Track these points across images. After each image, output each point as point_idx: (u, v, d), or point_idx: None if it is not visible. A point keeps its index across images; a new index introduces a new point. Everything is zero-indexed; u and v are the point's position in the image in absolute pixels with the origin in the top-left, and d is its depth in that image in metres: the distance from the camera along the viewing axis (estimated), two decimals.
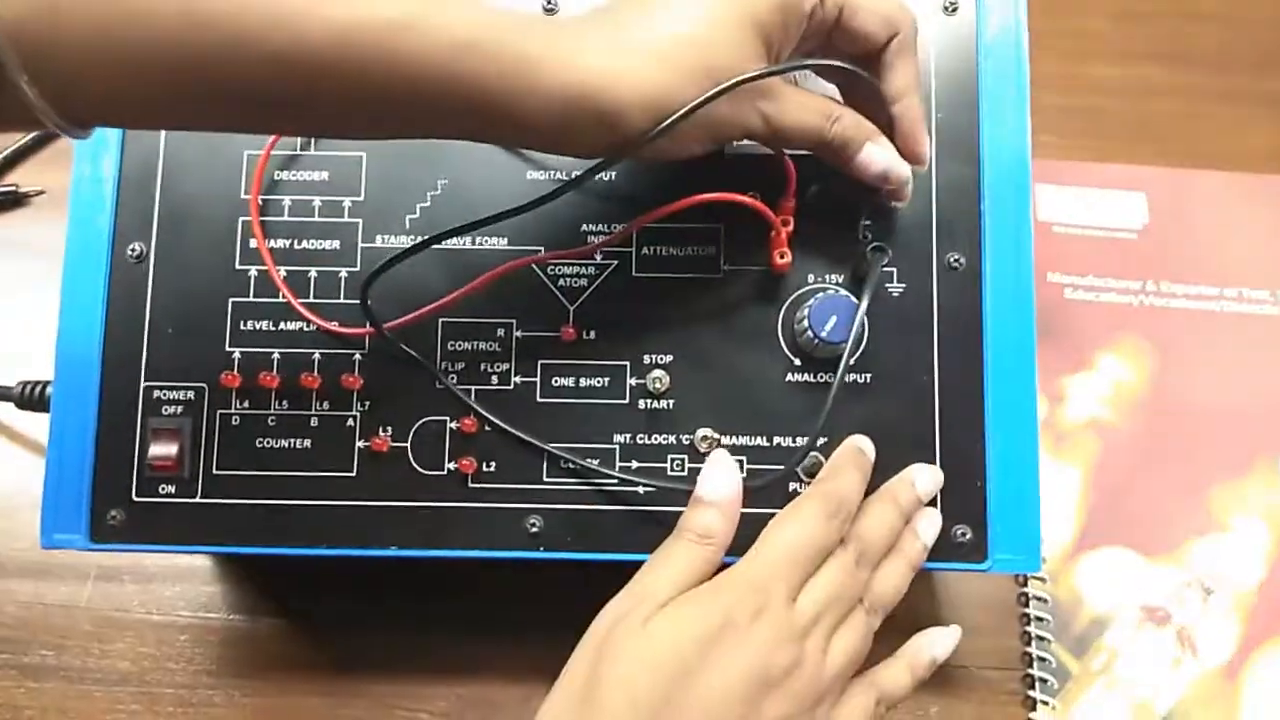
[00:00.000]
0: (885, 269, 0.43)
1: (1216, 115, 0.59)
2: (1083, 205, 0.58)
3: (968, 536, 0.42)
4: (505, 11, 0.34)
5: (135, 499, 0.43)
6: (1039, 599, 0.50)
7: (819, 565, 0.38)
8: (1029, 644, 0.49)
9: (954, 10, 0.45)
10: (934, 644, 0.42)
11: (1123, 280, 0.56)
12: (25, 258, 0.58)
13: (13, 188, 0.60)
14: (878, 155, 0.39)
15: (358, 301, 0.43)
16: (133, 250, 0.44)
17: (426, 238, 0.40)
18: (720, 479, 0.39)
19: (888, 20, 0.39)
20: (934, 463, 0.42)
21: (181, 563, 0.51)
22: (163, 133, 0.45)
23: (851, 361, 0.43)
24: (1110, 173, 0.58)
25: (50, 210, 0.60)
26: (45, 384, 0.48)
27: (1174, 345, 0.55)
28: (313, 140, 0.45)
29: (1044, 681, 0.49)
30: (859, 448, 0.41)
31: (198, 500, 0.43)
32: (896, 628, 0.46)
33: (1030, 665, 0.49)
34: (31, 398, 0.48)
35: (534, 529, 0.42)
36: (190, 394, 0.43)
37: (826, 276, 0.44)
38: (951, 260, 0.43)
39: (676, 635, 0.35)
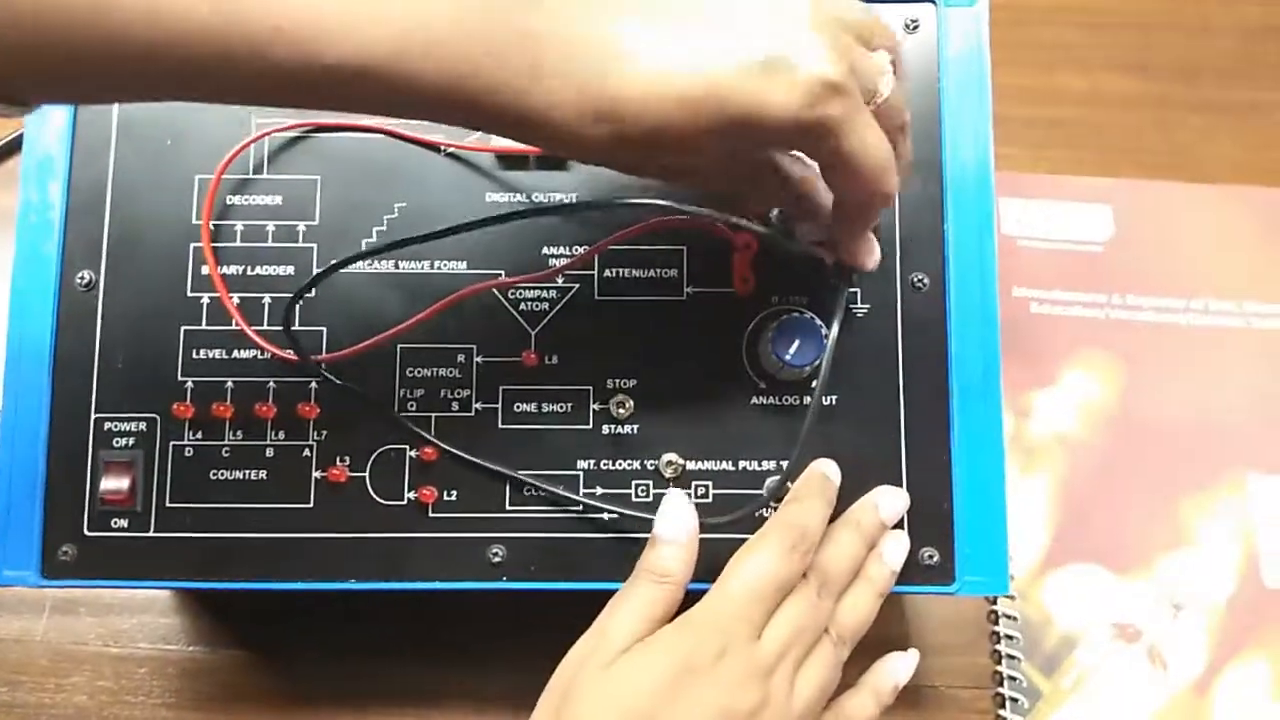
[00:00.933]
0: (850, 290, 0.42)
1: (1182, 126, 0.59)
2: (1048, 219, 0.58)
3: (935, 559, 0.42)
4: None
5: (87, 534, 0.42)
6: (1008, 617, 0.50)
7: (782, 598, 0.37)
8: (999, 663, 0.49)
9: (915, 28, 0.45)
10: (896, 670, 0.42)
11: (1089, 293, 0.56)
12: None
13: None
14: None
15: (313, 328, 0.43)
16: (81, 278, 0.43)
17: (331, 264, 0.39)
18: (675, 517, 0.38)
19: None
20: (900, 484, 0.42)
21: (140, 595, 0.50)
22: (111, 158, 0.44)
23: (816, 384, 0.42)
24: (1075, 185, 0.58)
25: (6, 230, 0.59)
26: None
27: (1141, 358, 0.55)
28: (265, 163, 0.44)
29: (1014, 700, 0.48)
30: (823, 474, 0.41)
31: (151, 534, 0.42)
32: (863, 649, 0.45)
33: (1001, 684, 0.49)
34: None
35: (496, 558, 0.42)
36: (142, 425, 0.42)
37: (790, 298, 0.43)
38: (915, 280, 0.43)
39: (640, 679, 0.34)
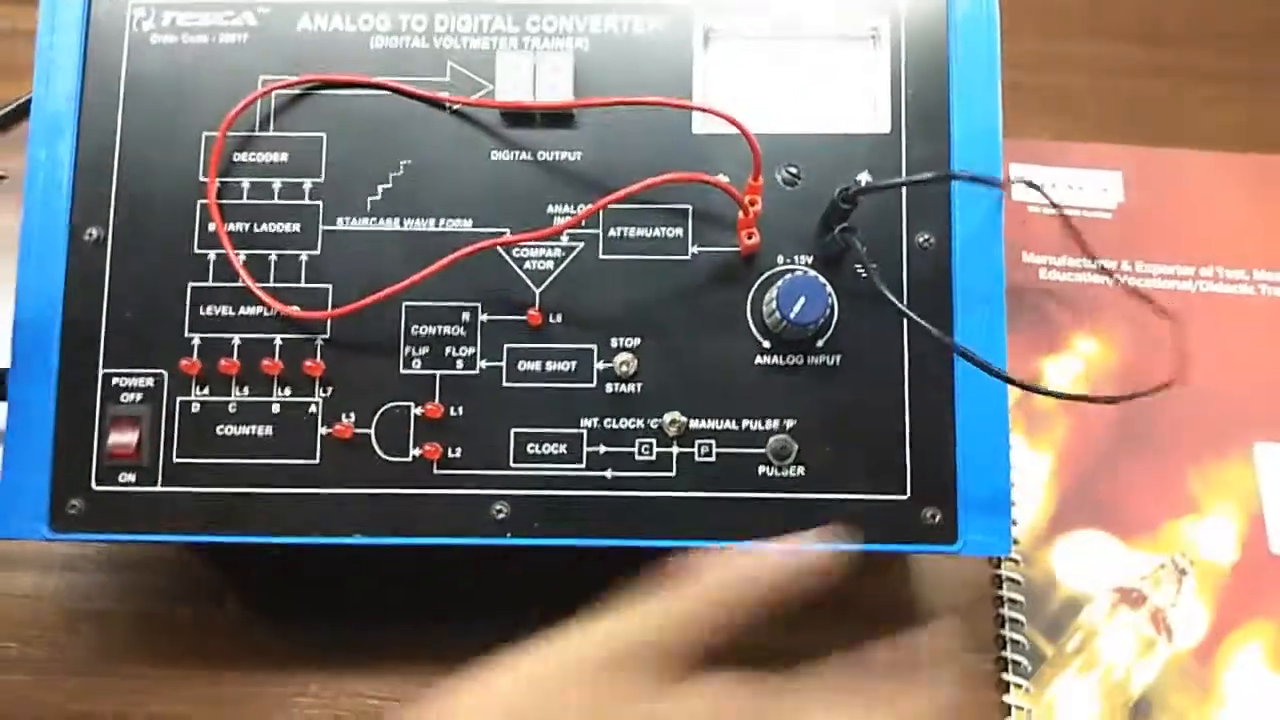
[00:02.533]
0: (852, 251, 0.42)
1: (1192, 93, 0.59)
2: (1057, 185, 0.57)
3: (937, 518, 0.41)
4: None
5: (95, 488, 0.42)
6: (1012, 581, 0.50)
7: None
8: (1002, 626, 0.49)
9: None
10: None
11: (1098, 260, 0.56)
12: None
13: None
14: None
15: (319, 285, 0.43)
16: (90, 234, 0.43)
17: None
18: None
19: None
20: (904, 444, 0.42)
21: (148, 552, 0.50)
22: (120, 116, 0.44)
23: (821, 343, 0.42)
24: (1085, 152, 0.58)
25: (12, 195, 0.59)
26: (3, 371, 0.47)
27: (1150, 326, 0.54)
28: (271, 119, 0.44)
29: (1017, 664, 0.48)
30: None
31: (158, 489, 0.42)
32: (864, 613, 0.46)
33: (1004, 648, 0.49)
34: None
35: (500, 515, 0.42)
36: (150, 380, 0.42)
37: (795, 258, 0.43)
38: (921, 241, 0.43)
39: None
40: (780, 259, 0.43)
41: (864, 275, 0.42)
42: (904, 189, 0.43)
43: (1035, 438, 0.52)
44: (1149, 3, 0.61)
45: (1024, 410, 0.53)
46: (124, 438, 0.42)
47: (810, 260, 0.43)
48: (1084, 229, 0.56)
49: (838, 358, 0.42)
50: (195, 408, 0.42)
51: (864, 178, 0.43)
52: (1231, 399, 0.53)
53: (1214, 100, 0.59)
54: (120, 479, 0.42)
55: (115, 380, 0.42)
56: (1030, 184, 0.56)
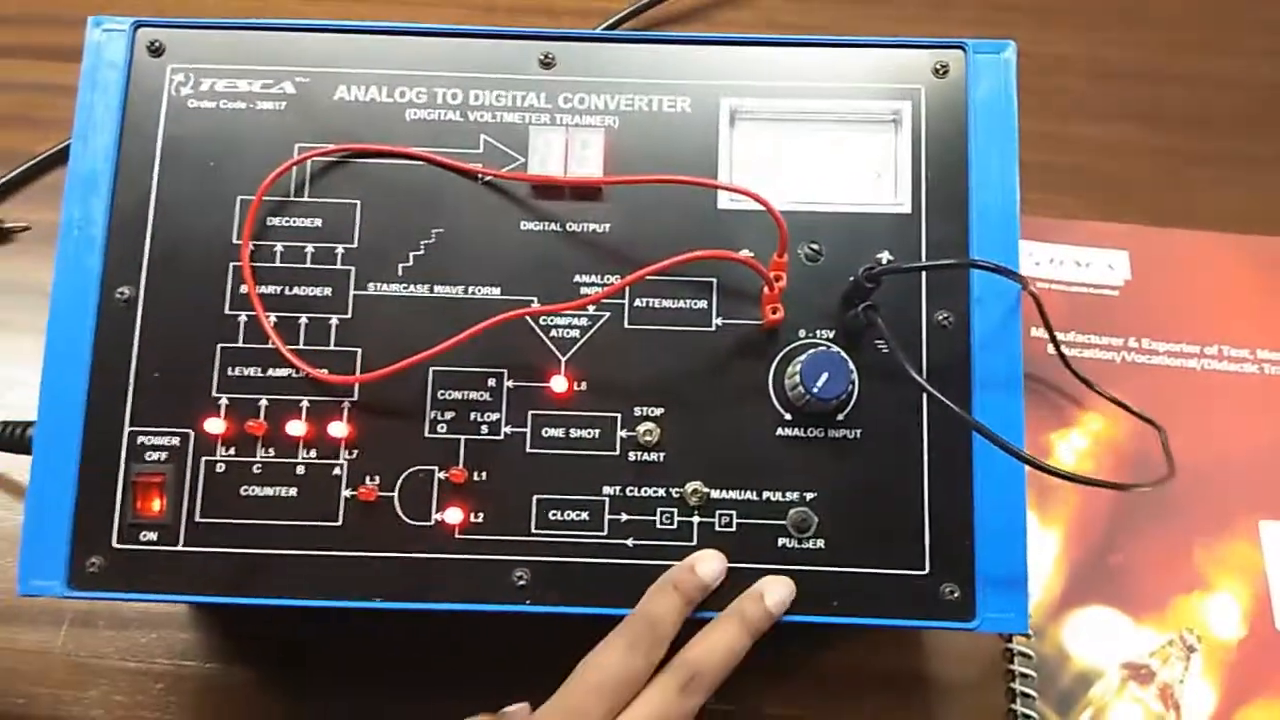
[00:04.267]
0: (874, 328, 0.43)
1: (1195, 175, 0.61)
2: (1065, 262, 0.59)
3: (956, 595, 0.42)
4: None
5: (116, 546, 0.42)
6: (1024, 655, 0.50)
7: (633, 694, 0.38)
8: (1014, 701, 0.49)
9: (944, 72, 0.46)
10: (769, 590, 0.41)
11: (1105, 337, 0.57)
12: (9, 294, 0.58)
13: None
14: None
15: (348, 349, 0.43)
16: (121, 294, 0.44)
17: None
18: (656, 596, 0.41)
19: None
20: (922, 520, 0.42)
21: (159, 609, 0.50)
22: (155, 176, 0.45)
23: (842, 418, 0.43)
24: (1092, 230, 0.59)
25: (35, 246, 0.60)
26: (27, 425, 0.47)
27: (1156, 402, 0.55)
28: (306, 185, 0.45)
29: None
30: (690, 565, 0.41)
31: (180, 548, 0.42)
32: (872, 684, 0.46)
33: None
34: (12, 438, 0.47)
35: (521, 582, 0.42)
36: (175, 440, 0.43)
37: (817, 333, 0.44)
38: (940, 319, 0.44)
39: None
40: (802, 333, 0.44)
41: (885, 351, 0.43)
42: (924, 273, 0.44)
43: (1045, 513, 0.53)
44: (1152, 88, 0.63)
45: (1034, 486, 0.53)
46: (148, 497, 0.42)
47: (831, 335, 0.44)
48: (1092, 306, 0.57)
49: (858, 432, 0.43)
50: (220, 468, 0.43)
51: (885, 256, 0.44)
52: (1237, 477, 0.54)
53: (1217, 182, 0.60)
54: (142, 538, 0.42)
55: (141, 439, 0.43)
56: (1033, 291, 0.57)
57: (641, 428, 0.43)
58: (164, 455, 0.43)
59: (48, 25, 0.65)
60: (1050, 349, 0.56)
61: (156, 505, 0.42)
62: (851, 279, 0.43)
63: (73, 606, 0.50)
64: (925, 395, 0.43)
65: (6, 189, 0.61)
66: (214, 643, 0.50)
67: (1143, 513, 0.53)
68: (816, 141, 0.46)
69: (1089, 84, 0.63)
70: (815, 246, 0.44)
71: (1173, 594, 0.52)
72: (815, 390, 0.41)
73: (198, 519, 0.42)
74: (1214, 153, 0.61)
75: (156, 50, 0.46)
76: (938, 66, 0.46)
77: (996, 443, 0.40)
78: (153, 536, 0.42)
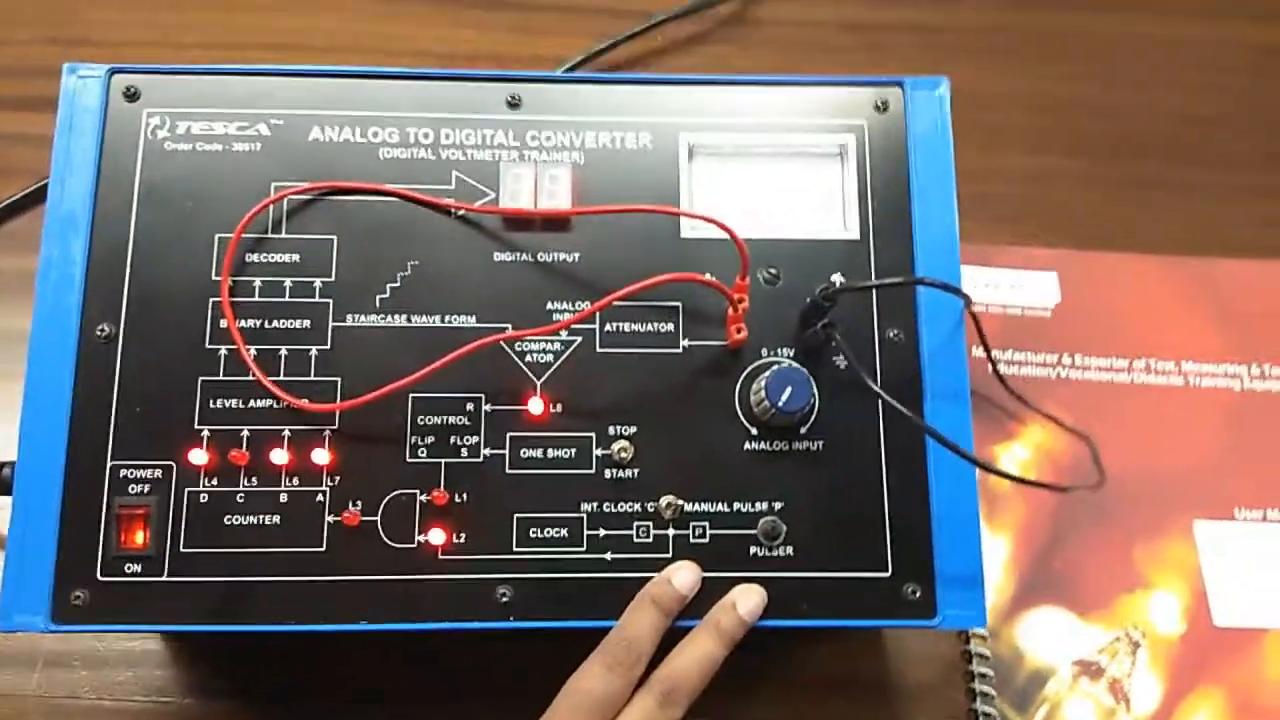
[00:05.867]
0: (832, 345, 0.46)
1: (1118, 202, 0.65)
2: (999, 285, 0.62)
3: (917, 594, 0.44)
4: None
5: (101, 579, 0.42)
6: (981, 656, 0.52)
7: (615, 713, 0.40)
8: (974, 700, 0.52)
9: (885, 108, 0.49)
10: (740, 599, 0.43)
11: (1040, 354, 0.61)
12: None
13: None
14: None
15: (328, 379, 0.45)
16: (101, 331, 0.44)
17: None
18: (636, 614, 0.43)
19: None
20: (883, 524, 0.45)
21: (135, 646, 0.50)
22: (133, 216, 0.46)
23: (804, 430, 0.45)
24: (1023, 255, 0.63)
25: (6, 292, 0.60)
26: (2, 465, 0.47)
27: (1091, 414, 0.59)
28: (283, 222, 0.46)
29: None
30: (666, 578, 0.43)
31: (165, 579, 0.43)
32: (833, 688, 0.47)
33: None
34: None
35: (504, 599, 0.43)
36: (158, 472, 0.43)
37: (778, 351, 0.46)
38: (891, 335, 0.47)
39: None
40: (764, 352, 0.46)
41: (843, 367, 0.46)
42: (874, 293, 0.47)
43: (994, 520, 0.56)
44: (1080, 120, 0.68)
45: (983, 496, 0.55)
46: (132, 528, 0.43)
47: (791, 353, 0.46)
48: (1026, 325, 0.61)
49: (820, 444, 0.45)
50: (204, 498, 0.43)
51: (838, 278, 0.47)
52: (1170, 480, 0.58)
53: (1138, 208, 0.65)
54: (126, 569, 0.43)
55: (123, 472, 0.43)
56: (973, 311, 0.60)
57: (616, 446, 0.45)
58: (147, 487, 0.43)
59: (11, 76, 0.66)
60: (989, 367, 0.60)
61: (140, 537, 0.43)
62: (809, 299, 0.46)
63: (47, 647, 0.50)
64: (882, 407, 0.46)
65: None
66: (191, 676, 0.50)
67: (1084, 517, 0.56)
68: (770, 174, 0.49)
69: (1019, 117, 0.67)
70: (773, 271, 0.47)
71: (1116, 593, 0.55)
72: (780, 404, 0.43)
73: (182, 549, 0.43)
74: (1136, 180, 0.66)
75: (132, 95, 0.47)
76: (878, 103, 0.49)
77: (949, 446, 0.43)
78: (137, 568, 0.43)
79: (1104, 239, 0.63)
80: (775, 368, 0.45)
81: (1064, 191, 0.65)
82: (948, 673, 0.53)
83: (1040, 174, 0.66)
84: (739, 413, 0.45)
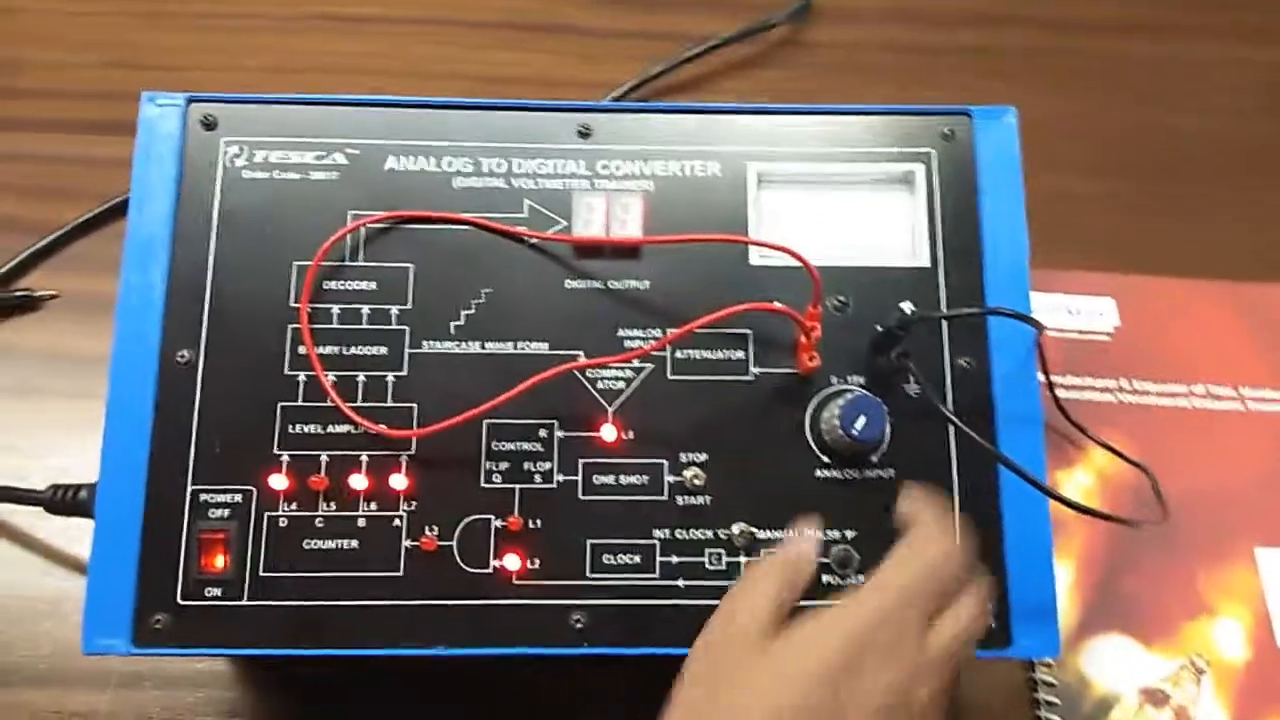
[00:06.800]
0: (905, 373, 0.46)
1: (1173, 225, 0.65)
2: (1059, 310, 0.62)
3: (991, 623, 0.44)
4: None
5: (180, 602, 0.43)
6: (1047, 683, 0.52)
7: (945, 603, 0.39)
8: None
9: (952, 137, 0.50)
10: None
11: (1101, 379, 0.61)
12: (40, 361, 0.59)
13: (27, 291, 0.61)
14: None
15: (404, 404, 0.45)
16: (181, 357, 0.45)
17: None
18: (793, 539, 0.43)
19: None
20: None
21: (204, 668, 0.51)
22: (212, 242, 0.46)
23: (876, 458, 0.46)
24: (1082, 280, 0.63)
25: (62, 314, 0.61)
26: (78, 488, 0.48)
27: (1151, 439, 0.58)
28: (360, 249, 0.47)
29: None
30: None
31: (244, 603, 0.43)
32: None
33: None
34: (64, 501, 0.48)
35: (578, 625, 0.44)
36: (238, 497, 0.44)
37: (848, 379, 0.47)
38: (962, 363, 0.47)
39: (810, 656, 0.35)
40: (834, 380, 0.46)
41: (914, 395, 0.46)
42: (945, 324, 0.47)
43: (1057, 546, 0.55)
44: (1135, 143, 0.68)
45: None
46: (212, 553, 0.43)
47: (861, 381, 0.47)
48: (1085, 350, 0.61)
49: (892, 472, 0.46)
50: (283, 522, 0.44)
51: (908, 306, 0.47)
52: (1231, 506, 0.57)
53: (1192, 231, 0.65)
54: (206, 593, 0.43)
55: (204, 497, 0.44)
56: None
57: (688, 473, 0.45)
58: (227, 512, 0.44)
59: (67, 99, 0.67)
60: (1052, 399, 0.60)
61: (220, 561, 0.43)
62: (881, 327, 0.46)
63: (119, 668, 0.50)
64: (954, 435, 0.46)
65: (34, 258, 0.62)
66: (261, 699, 0.51)
67: (1147, 544, 0.56)
68: (838, 202, 0.49)
69: (1074, 141, 0.67)
70: (842, 299, 0.47)
71: (1180, 620, 0.55)
72: (854, 433, 0.44)
73: (261, 573, 0.43)
74: (1194, 204, 0.66)
75: (210, 124, 0.48)
76: (945, 131, 0.50)
77: (1023, 475, 0.43)
78: (217, 592, 0.43)
79: (1162, 263, 0.63)
80: (849, 396, 0.45)
81: (1121, 216, 0.65)
82: (1013, 699, 0.53)
83: (1097, 198, 0.66)
84: (810, 440, 0.46)
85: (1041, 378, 0.58)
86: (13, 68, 0.68)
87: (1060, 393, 0.59)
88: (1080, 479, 0.58)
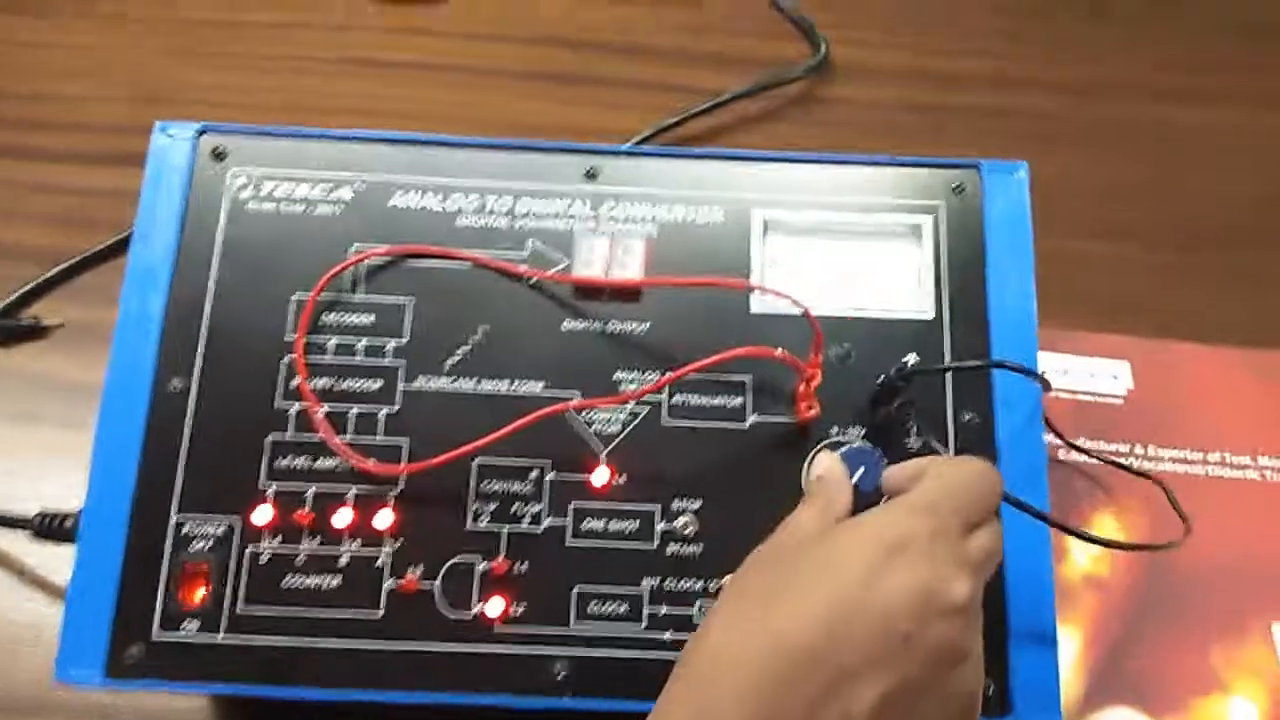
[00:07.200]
0: (907, 425, 0.45)
1: (1192, 290, 0.64)
2: (1071, 371, 0.61)
3: (991, 690, 0.42)
4: None
5: (156, 636, 0.42)
6: None
7: (979, 519, 0.38)
8: None
9: (961, 190, 0.49)
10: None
11: (1112, 443, 0.59)
12: (42, 388, 0.59)
13: (34, 319, 0.61)
14: None
15: (396, 440, 0.44)
16: (174, 385, 0.45)
17: None
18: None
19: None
20: None
21: (183, 704, 0.49)
22: (213, 273, 0.46)
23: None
24: (1096, 342, 0.62)
25: (69, 342, 0.61)
26: (65, 516, 0.47)
27: (1164, 507, 0.56)
28: (360, 283, 0.47)
29: None
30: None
31: (220, 639, 0.42)
32: None
33: None
34: (50, 528, 0.48)
35: (561, 675, 0.42)
36: (221, 529, 0.43)
37: (848, 429, 0.46)
38: (966, 418, 0.46)
39: (851, 552, 0.35)
40: (834, 430, 0.46)
41: (915, 449, 0.45)
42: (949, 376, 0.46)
43: (1063, 614, 0.54)
44: (1154, 206, 0.67)
45: None
46: (191, 586, 0.43)
47: (861, 432, 0.45)
48: (1098, 413, 0.60)
49: None
50: (264, 557, 0.43)
51: (912, 358, 0.46)
52: (1248, 580, 0.55)
53: (1211, 296, 0.64)
54: (183, 627, 0.42)
55: (186, 528, 0.43)
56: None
57: (680, 520, 0.44)
58: (209, 544, 0.43)
59: (91, 131, 0.68)
60: (1060, 454, 0.58)
61: (199, 594, 0.43)
62: (882, 378, 0.45)
63: (96, 701, 0.49)
64: None
65: (43, 288, 0.62)
66: None
67: (1159, 615, 0.54)
68: (843, 252, 0.49)
69: (1090, 203, 0.67)
70: (845, 348, 0.46)
71: (1192, 696, 0.52)
72: (854, 483, 0.42)
73: (239, 609, 0.43)
74: (1209, 267, 0.65)
75: (219, 155, 0.48)
76: (955, 185, 0.49)
77: (1029, 510, 0.42)
78: (193, 626, 0.42)
79: (1177, 327, 0.62)
80: (847, 447, 0.44)
81: (1139, 279, 0.64)
82: None
83: (1114, 260, 0.65)
84: (805, 487, 0.45)
85: (1052, 438, 0.57)
86: (37, 101, 0.69)
87: (1071, 455, 0.58)
88: (1091, 545, 0.56)
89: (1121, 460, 0.58)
